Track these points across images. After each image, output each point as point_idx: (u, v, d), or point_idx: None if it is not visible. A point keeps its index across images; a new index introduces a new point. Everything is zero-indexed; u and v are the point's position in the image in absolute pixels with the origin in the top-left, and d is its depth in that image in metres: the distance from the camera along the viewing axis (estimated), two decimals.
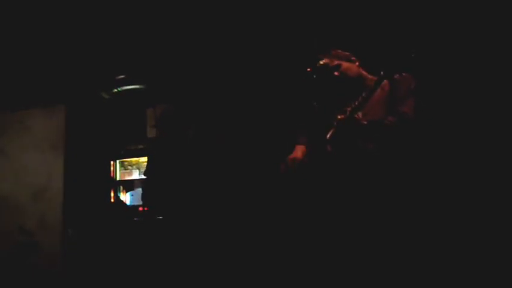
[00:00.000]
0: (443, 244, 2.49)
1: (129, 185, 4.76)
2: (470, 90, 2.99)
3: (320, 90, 2.15)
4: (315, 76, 2.13)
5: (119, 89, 4.73)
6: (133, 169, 4.79)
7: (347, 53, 2.18)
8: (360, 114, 1.91)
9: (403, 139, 1.97)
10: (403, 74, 2.04)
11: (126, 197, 4.72)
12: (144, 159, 4.62)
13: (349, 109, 1.92)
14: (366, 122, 1.90)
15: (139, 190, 4.58)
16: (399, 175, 1.95)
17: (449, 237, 2.59)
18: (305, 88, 2.25)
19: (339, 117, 1.94)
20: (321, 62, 2.13)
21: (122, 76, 4.56)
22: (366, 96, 1.89)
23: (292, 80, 3.41)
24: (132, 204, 4.60)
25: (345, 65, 2.12)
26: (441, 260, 2.35)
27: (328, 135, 2.00)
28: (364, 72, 2.15)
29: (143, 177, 4.54)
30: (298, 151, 2.19)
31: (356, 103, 1.90)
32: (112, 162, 4.77)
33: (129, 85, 4.71)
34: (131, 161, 4.79)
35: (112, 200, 4.64)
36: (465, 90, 3.01)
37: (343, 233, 2.01)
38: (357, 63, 2.15)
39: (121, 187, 4.77)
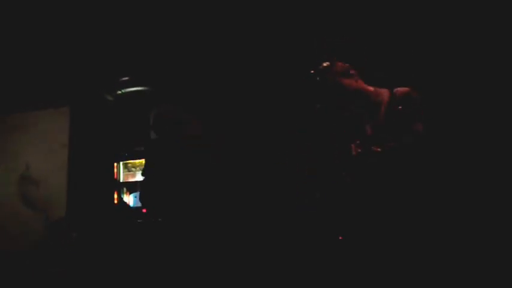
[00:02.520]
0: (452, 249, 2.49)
1: (132, 187, 4.76)
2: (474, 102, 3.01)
3: (323, 92, 2.15)
4: (318, 78, 2.13)
5: (123, 90, 4.74)
6: (137, 171, 4.79)
7: (346, 66, 2.19)
8: (376, 146, 1.93)
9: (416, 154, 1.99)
10: (405, 89, 2.06)
11: (129, 199, 4.73)
12: None
13: (358, 142, 1.94)
14: (380, 150, 1.92)
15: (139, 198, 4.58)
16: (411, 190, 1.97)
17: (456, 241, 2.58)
18: (308, 90, 2.25)
19: (355, 152, 1.96)
20: (324, 64, 2.13)
21: (126, 78, 4.57)
22: (376, 124, 1.91)
23: (294, 82, 3.41)
24: (136, 206, 4.60)
25: (345, 81, 2.13)
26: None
27: (345, 168, 2.02)
28: (363, 85, 2.16)
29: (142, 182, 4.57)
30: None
31: (368, 132, 1.93)
32: (115, 164, 4.77)
33: (133, 87, 4.72)
34: (135, 163, 4.80)
35: (115, 202, 4.64)
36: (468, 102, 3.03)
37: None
38: (356, 78, 2.16)
39: (124, 189, 4.77)
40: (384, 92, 2.11)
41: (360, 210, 2.02)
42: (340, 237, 2.19)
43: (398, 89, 2.08)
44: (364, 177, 1.99)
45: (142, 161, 4.71)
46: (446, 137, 2.84)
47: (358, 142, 1.97)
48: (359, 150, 1.97)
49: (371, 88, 2.15)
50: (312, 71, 2.13)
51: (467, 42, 3.14)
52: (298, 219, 3.33)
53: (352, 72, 2.16)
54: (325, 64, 2.15)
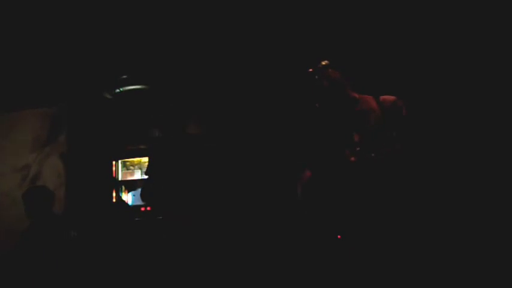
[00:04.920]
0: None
1: (131, 185, 4.76)
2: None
3: (321, 90, 2.15)
4: (316, 77, 2.13)
5: (121, 89, 4.74)
6: (135, 169, 4.79)
7: (338, 73, 2.18)
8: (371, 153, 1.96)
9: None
10: (392, 97, 2.09)
11: (128, 197, 4.73)
12: (146, 159, 4.62)
13: (358, 149, 1.96)
14: (374, 155, 1.95)
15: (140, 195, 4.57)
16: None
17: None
18: (307, 89, 2.25)
19: (352, 159, 1.98)
20: (323, 63, 2.13)
21: (124, 76, 4.56)
22: (368, 128, 1.95)
23: (293, 80, 3.42)
24: (134, 204, 4.60)
25: (336, 89, 2.13)
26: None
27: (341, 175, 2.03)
28: (352, 93, 2.16)
29: (145, 177, 4.57)
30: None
31: (360, 140, 1.95)
32: (114, 162, 4.77)
33: (131, 85, 4.71)
34: (133, 161, 4.79)
35: (114, 200, 4.64)
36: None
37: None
38: (348, 85, 2.16)
39: (123, 187, 4.77)
40: (370, 100, 2.12)
41: (358, 210, 2.03)
42: (338, 237, 2.20)
43: (385, 97, 2.10)
44: (361, 179, 2.00)
45: (141, 159, 4.74)
46: (436, 141, 2.87)
47: (358, 149, 1.98)
48: (353, 158, 1.98)
49: (357, 95, 2.14)
50: (310, 70, 2.13)
51: (454, 50, 3.18)
52: (298, 218, 3.34)
53: (346, 80, 2.16)
54: (323, 63, 2.15)
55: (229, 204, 2.75)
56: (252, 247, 3.30)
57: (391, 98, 2.09)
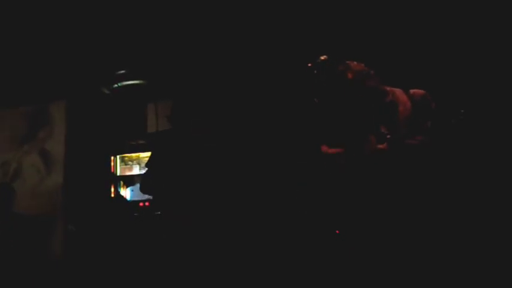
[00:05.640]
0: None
1: (129, 180, 4.77)
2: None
3: (321, 85, 2.15)
4: (315, 72, 2.13)
5: (120, 84, 4.72)
6: (134, 164, 4.79)
7: (363, 65, 2.17)
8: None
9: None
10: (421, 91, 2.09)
11: (126, 192, 4.73)
12: (145, 154, 4.62)
13: (388, 137, 1.96)
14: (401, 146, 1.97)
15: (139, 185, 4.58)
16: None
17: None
18: (306, 83, 2.24)
19: (381, 146, 1.98)
20: (322, 58, 2.13)
21: (123, 71, 4.55)
22: (397, 120, 1.99)
23: (293, 75, 3.41)
24: (133, 199, 4.61)
25: (367, 82, 2.13)
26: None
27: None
28: (382, 85, 2.16)
29: (144, 172, 4.57)
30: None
31: (387, 131, 1.96)
32: (112, 158, 4.77)
33: (129, 80, 4.70)
34: (131, 156, 4.80)
35: (112, 195, 4.64)
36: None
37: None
38: (376, 78, 2.16)
39: (121, 182, 4.78)
40: (400, 93, 2.12)
41: (358, 205, 2.03)
42: (336, 231, 2.21)
43: (415, 91, 2.11)
44: (388, 168, 2.00)
45: (140, 154, 4.75)
46: (447, 138, 2.85)
47: (388, 137, 1.99)
48: (382, 146, 1.99)
49: (387, 88, 2.15)
50: (310, 65, 2.13)
51: (464, 44, 3.16)
52: (298, 213, 3.35)
53: (372, 72, 2.16)
54: (322, 58, 2.15)
55: (229, 204, 2.74)
56: (252, 247, 3.30)
57: (421, 91, 2.12)
